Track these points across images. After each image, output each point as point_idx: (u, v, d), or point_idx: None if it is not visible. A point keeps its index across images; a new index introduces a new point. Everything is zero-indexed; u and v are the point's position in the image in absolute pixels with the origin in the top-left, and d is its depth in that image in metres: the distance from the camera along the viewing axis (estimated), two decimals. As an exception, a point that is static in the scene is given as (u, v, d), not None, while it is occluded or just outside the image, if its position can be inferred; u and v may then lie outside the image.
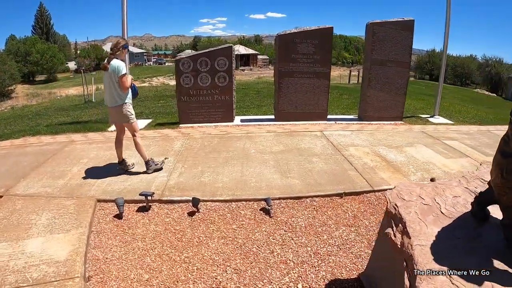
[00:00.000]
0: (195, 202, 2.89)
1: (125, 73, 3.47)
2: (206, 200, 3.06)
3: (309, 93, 5.84)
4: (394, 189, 1.96)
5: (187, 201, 3.07)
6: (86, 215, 2.81)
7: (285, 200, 3.21)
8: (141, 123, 6.09)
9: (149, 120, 6.37)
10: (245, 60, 46.30)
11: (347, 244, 2.62)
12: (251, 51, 50.15)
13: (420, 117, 6.80)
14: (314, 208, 3.16)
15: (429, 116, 6.84)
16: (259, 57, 52.93)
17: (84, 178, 3.61)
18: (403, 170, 4.04)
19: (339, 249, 2.56)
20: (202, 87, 5.64)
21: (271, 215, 2.94)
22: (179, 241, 2.60)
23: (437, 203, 1.76)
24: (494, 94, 28.17)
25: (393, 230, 1.71)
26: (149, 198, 2.98)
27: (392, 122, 6.19)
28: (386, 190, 3.55)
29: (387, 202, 1.86)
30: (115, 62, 3.45)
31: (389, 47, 5.80)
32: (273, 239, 2.65)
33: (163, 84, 23.67)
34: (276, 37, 5.64)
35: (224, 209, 3.02)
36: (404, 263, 1.53)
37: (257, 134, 5.14)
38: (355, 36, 70.31)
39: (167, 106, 8.76)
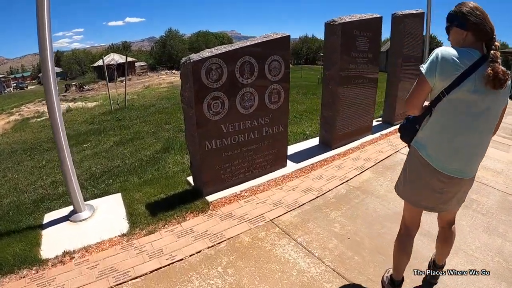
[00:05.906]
0: None
1: None
2: None
3: (362, 103, 4.58)
4: None
5: None
6: None
7: None
8: (107, 210, 2.92)
9: (117, 198, 3.26)
10: (122, 69, 34.61)
11: None
12: (129, 59, 40.93)
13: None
14: None
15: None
16: (137, 64, 45.44)
17: None
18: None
19: None
20: (243, 115, 3.17)
21: None
22: None
23: None
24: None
25: None
26: None
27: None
28: None
29: None
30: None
31: (412, 41, 5.28)
32: None
33: (38, 113, 16.51)
34: (335, 26, 3.86)
35: None
36: None
37: (366, 182, 3.52)
38: (221, 32, 72.31)
39: (110, 154, 5.17)
